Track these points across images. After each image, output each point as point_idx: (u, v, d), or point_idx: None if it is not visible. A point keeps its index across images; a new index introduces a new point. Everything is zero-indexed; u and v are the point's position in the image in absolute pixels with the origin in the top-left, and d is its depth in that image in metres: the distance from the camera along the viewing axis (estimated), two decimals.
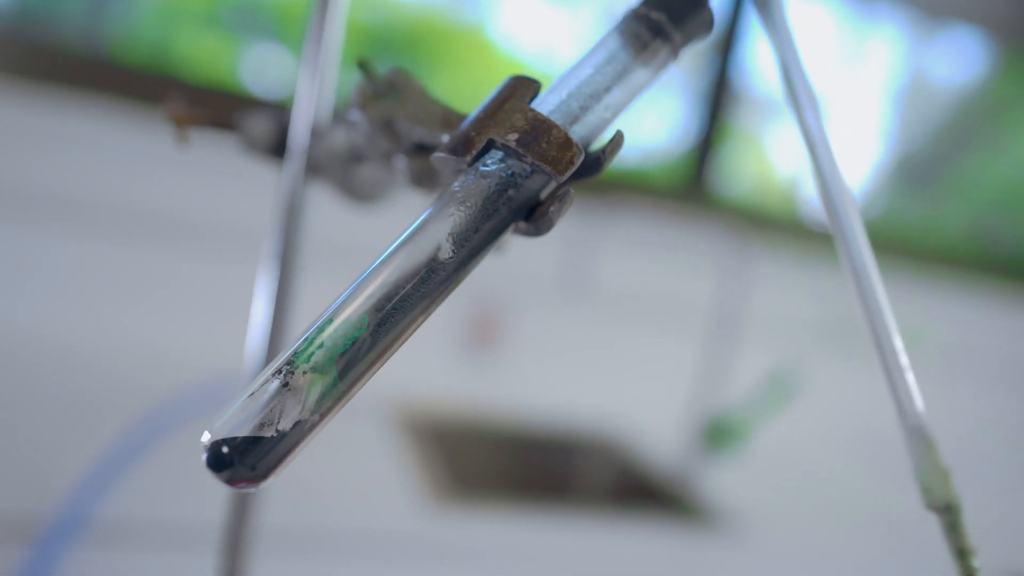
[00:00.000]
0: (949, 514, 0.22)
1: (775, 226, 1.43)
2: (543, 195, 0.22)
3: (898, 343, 0.24)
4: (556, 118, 0.23)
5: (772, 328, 1.40)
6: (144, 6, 1.11)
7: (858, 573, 0.84)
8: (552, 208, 0.21)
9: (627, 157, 1.34)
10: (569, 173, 0.21)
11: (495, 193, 0.22)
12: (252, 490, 0.20)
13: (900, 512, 1.08)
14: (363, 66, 0.26)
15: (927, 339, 1.55)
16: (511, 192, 0.22)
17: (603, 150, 0.22)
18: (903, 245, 1.56)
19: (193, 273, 1.06)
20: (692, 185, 1.37)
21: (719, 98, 1.37)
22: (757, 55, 1.39)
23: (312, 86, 0.32)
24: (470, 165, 0.22)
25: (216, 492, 0.70)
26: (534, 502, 1.12)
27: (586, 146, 0.23)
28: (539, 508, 0.84)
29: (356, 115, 0.26)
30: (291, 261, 0.32)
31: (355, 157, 0.32)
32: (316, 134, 0.32)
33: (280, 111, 0.31)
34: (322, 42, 0.32)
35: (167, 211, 1.05)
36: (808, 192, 1.49)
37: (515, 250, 1.22)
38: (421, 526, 0.73)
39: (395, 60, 1.25)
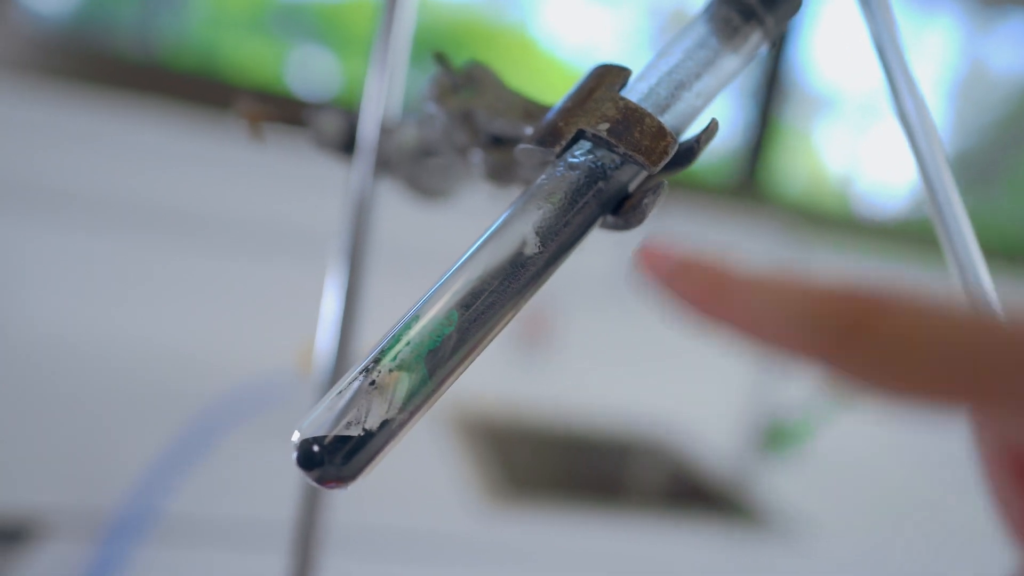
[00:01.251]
0: None
1: (829, 223, 1.39)
2: (631, 187, 0.22)
3: None
4: (646, 107, 0.22)
5: None
6: (194, 13, 1.13)
7: None
8: (645, 200, 0.21)
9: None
10: (663, 163, 0.20)
11: (584, 186, 0.21)
12: (341, 489, 0.19)
13: (962, 517, 1.04)
14: (440, 58, 0.25)
15: None
16: (601, 184, 0.21)
17: (697, 139, 0.21)
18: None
19: (260, 273, 1.08)
20: (744, 182, 1.34)
21: (770, 95, 1.34)
22: (809, 51, 1.36)
23: (381, 81, 0.31)
24: (559, 156, 0.21)
25: (281, 489, 0.71)
26: (588, 504, 1.11)
27: (677, 135, 0.22)
28: (593, 510, 0.83)
29: (433, 108, 0.25)
30: (361, 258, 0.32)
31: (424, 153, 0.32)
32: (385, 130, 0.31)
33: (348, 109, 0.31)
34: (391, 37, 0.32)
35: (229, 214, 1.06)
36: (861, 187, 1.45)
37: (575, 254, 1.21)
38: (476, 526, 0.72)
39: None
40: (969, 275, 0.23)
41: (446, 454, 0.90)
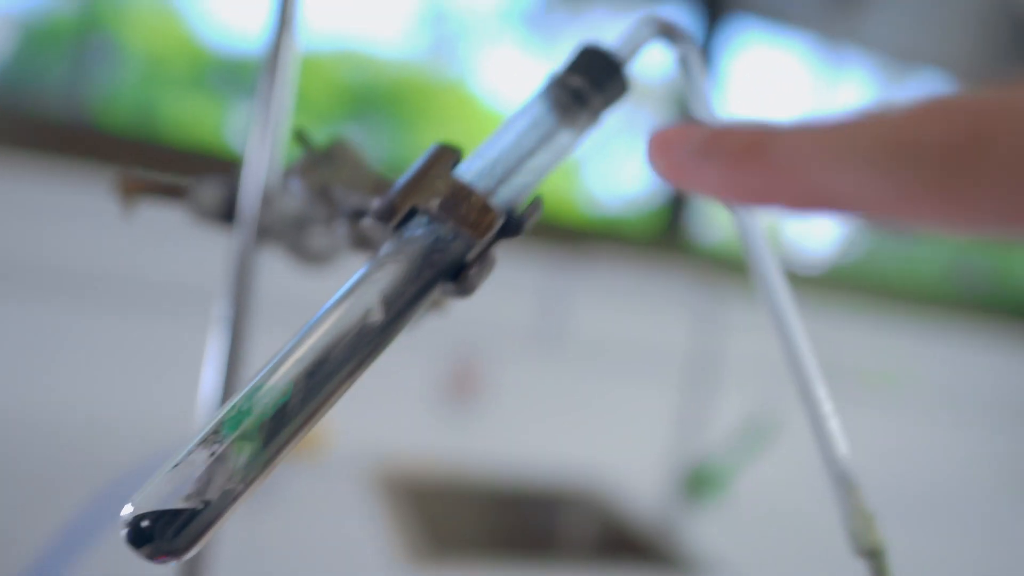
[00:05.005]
0: (875, 559, 0.23)
1: (748, 272, 1.44)
2: (469, 257, 0.23)
3: (821, 391, 0.24)
4: (481, 183, 0.23)
5: (749, 373, 1.40)
6: (127, 71, 1.13)
7: None
8: (472, 271, 0.22)
9: (603, 206, 1.36)
10: (488, 236, 0.22)
11: (420, 257, 0.22)
12: (174, 563, 0.20)
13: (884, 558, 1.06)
14: (299, 136, 0.26)
15: (903, 379, 1.55)
16: (436, 256, 0.22)
17: (523, 214, 0.23)
18: (882, 288, 1.57)
19: (176, 336, 1.06)
20: (667, 233, 1.39)
21: None
22: (723, 103, 1.42)
23: (262, 151, 0.33)
24: (395, 230, 0.23)
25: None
26: (517, 558, 1.10)
27: (510, 209, 0.24)
28: (522, 564, 0.82)
29: (295, 183, 0.27)
30: (242, 327, 0.32)
31: (306, 220, 0.33)
32: (266, 199, 0.33)
33: (230, 177, 0.32)
34: (271, 107, 0.33)
35: (134, 275, 1.05)
36: (787, 237, 1.51)
37: (492, 302, 1.22)
38: None
39: (378, 117, 1.28)
40: (784, 327, 0.25)
41: (371, 513, 0.89)
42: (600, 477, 1.21)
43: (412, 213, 0.23)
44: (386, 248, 0.23)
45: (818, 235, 1.54)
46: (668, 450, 1.33)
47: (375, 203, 0.25)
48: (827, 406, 0.23)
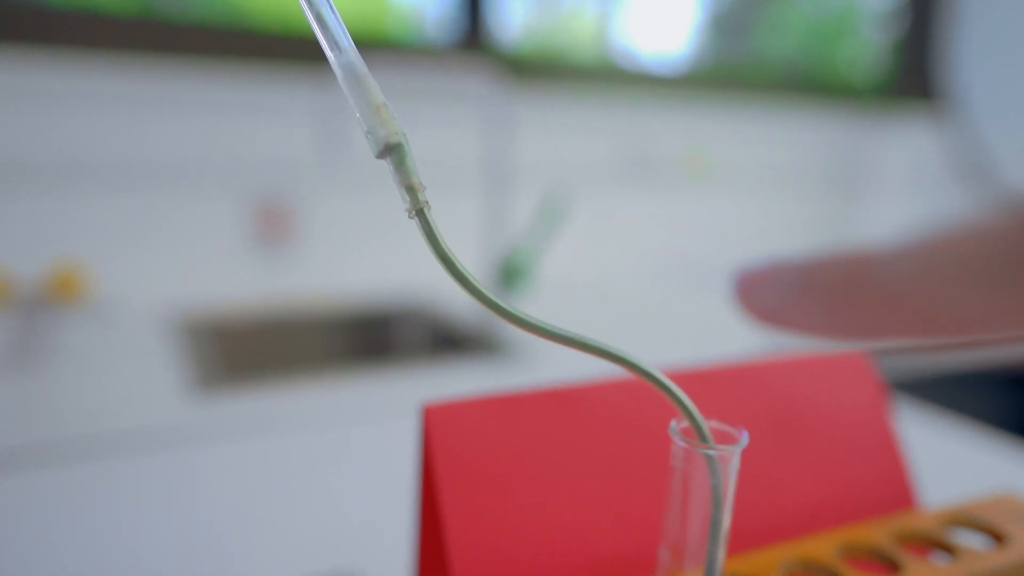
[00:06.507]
0: (393, 153, 0.21)
1: (544, 71, 1.44)
2: None
3: (334, 17, 0.22)
4: None
5: (540, 169, 1.43)
6: None
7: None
8: None
9: (402, 15, 1.30)
10: None
11: None
12: None
13: (685, 324, 1.15)
14: None
15: (712, 160, 1.65)
16: None
17: None
18: (732, 85, 1.64)
19: None
20: (462, 39, 1.35)
21: None
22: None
23: None
24: None
25: None
26: (349, 370, 1.13)
27: None
28: (358, 373, 0.84)
29: None
30: None
31: None
32: None
33: None
34: None
35: None
36: (613, 35, 1.50)
37: (279, 136, 1.17)
38: (209, 407, 0.72)
39: None
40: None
41: (172, 355, 0.88)
42: (421, 289, 1.23)
43: None
44: None
45: (666, 41, 1.56)
46: (479, 252, 1.37)
47: None
48: (332, 16, 0.22)
